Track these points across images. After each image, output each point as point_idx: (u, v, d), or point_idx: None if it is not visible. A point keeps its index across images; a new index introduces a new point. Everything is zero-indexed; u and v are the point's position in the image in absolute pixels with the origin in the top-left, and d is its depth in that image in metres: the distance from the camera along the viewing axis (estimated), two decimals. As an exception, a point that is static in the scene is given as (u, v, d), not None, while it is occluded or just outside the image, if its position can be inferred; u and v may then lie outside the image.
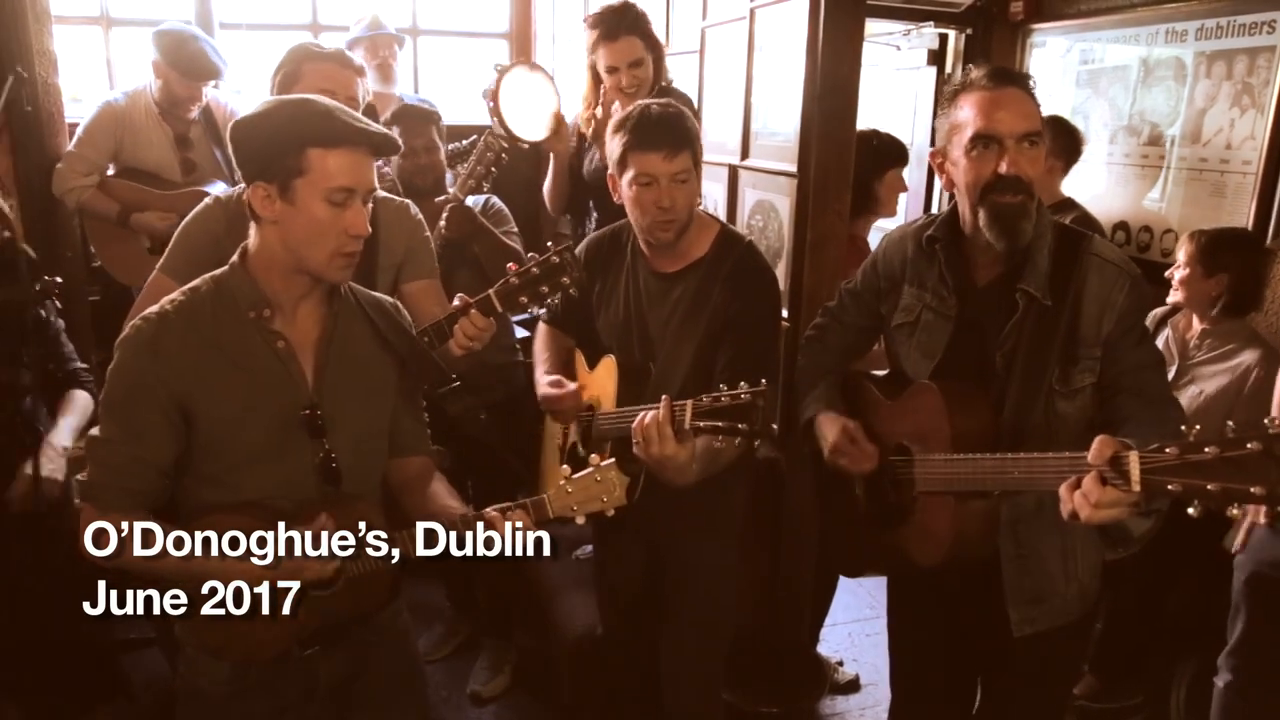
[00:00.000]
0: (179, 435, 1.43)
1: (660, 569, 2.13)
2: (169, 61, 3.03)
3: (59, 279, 2.18)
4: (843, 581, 3.59)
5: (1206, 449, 1.14)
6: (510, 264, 1.77)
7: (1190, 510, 1.16)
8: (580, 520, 1.46)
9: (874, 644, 3.19)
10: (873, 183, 2.69)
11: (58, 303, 2.23)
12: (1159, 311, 2.66)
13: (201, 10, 3.84)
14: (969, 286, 1.68)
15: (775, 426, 2.68)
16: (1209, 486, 1.13)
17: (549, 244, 1.76)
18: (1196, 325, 2.56)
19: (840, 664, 3.06)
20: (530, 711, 2.80)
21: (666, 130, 1.84)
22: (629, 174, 1.87)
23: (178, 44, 3.02)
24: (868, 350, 1.97)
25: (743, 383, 1.51)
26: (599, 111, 2.77)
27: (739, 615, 2.28)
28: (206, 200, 1.94)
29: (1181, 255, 2.52)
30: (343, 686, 1.59)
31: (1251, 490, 1.10)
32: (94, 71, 3.80)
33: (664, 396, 1.63)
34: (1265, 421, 1.13)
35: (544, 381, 2.05)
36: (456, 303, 1.78)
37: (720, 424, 1.52)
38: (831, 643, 3.20)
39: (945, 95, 1.65)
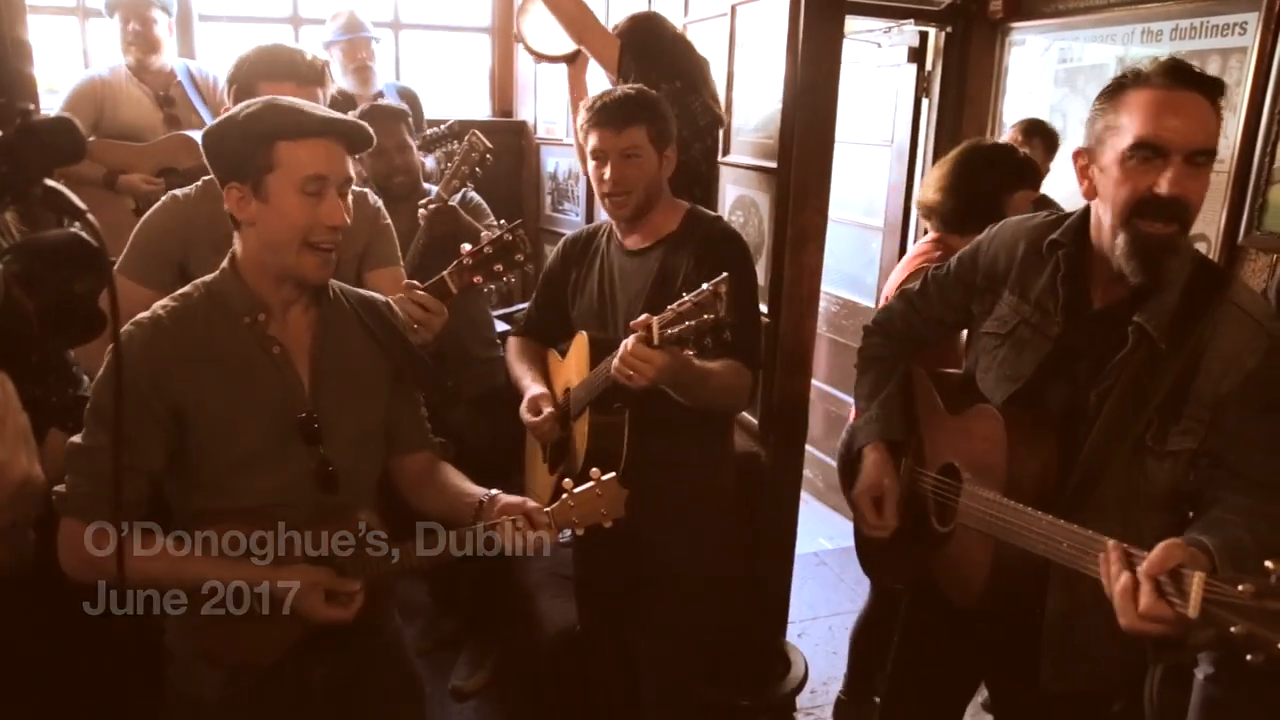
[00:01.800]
0: (169, 441, 1.41)
1: (644, 565, 2.14)
2: (111, 9, 3.11)
3: None
4: (824, 574, 3.61)
5: None
6: (464, 245, 1.79)
7: (1249, 658, 0.99)
8: (579, 532, 1.49)
9: (853, 637, 3.22)
10: (1004, 199, 2.43)
11: None
12: None
13: (181, 3, 3.80)
14: (1081, 307, 1.46)
15: (755, 420, 2.70)
16: None
17: (501, 221, 1.79)
18: None
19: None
20: (511, 707, 2.81)
21: (619, 106, 1.88)
22: (588, 151, 1.93)
23: None
24: (942, 344, 1.84)
25: (703, 284, 1.50)
26: None
27: (717, 611, 2.29)
28: (164, 199, 1.92)
29: None
30: (338, 694, 1.56)
31: None
32: (70, 62, 3.76)
33: (630, 327, 1.60)
34: None
35: (526, 400, 2.01)
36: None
37: (689, 324, 1.52)
38: (812, 636, 3.23)
39: (1108, 87, 1.40)
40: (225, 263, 1.47)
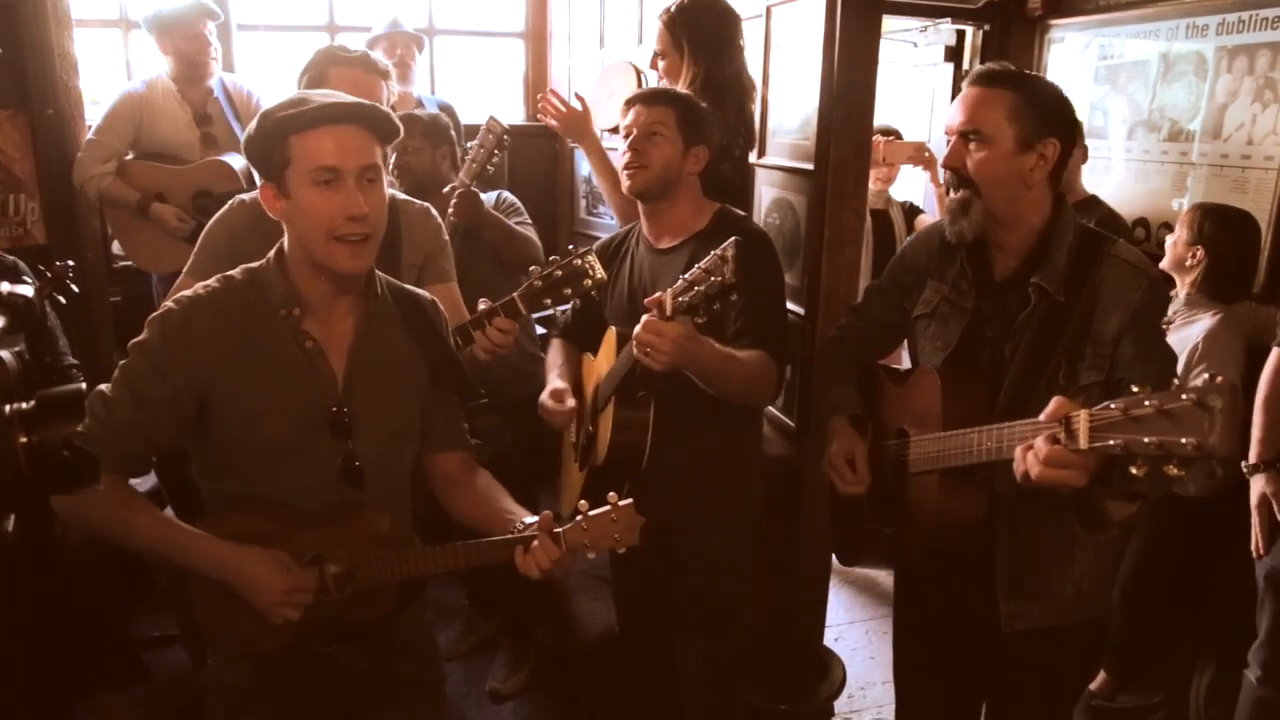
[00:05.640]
0: (183, 423, 1.44)
1: (676, 566, 2.14)
2: (161, 28, 3.12)
3: (70, 261, 2.20)
4: (861, 577, 3.59)
5: (1147, 402, 1.15)
6: (532, 266, 1.78)
7: (1133, 470, 1.15)
8: (591, 556, 1.46)
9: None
10: None
11: (61, 297, 2.19)
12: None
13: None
14: (987, 280, 1.71)
15: (792, 424, 2.69)
16: (1146, 440, 1.13)
17: (570, 246, 1.78)
18: (1180, 295, 2.55)
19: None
20: (548, 709, 2.82)
21: (657, 89, 2.06)
22: (621, 134, 2.00)
23: (161, 10, 3.12)
24: (892, 348, 1.99)
25: (712, 252, 1.58)
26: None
27: (757, 614, 2.28)
28: (231, 202, 1.95)
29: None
30: (362, 682, 1.60)
31: (1183, 441, 1.10)
32: (113, 74, 3.83)
33: (645, 304, 1.66)
34: (1205, 374, 1.13)
35: (547, 392, 2.03)
36: (482, 306, 1.79)
37: (698, 290, 1.57)
38: (850, 640, 3.20)
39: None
40: (272, 253, 1.49)
